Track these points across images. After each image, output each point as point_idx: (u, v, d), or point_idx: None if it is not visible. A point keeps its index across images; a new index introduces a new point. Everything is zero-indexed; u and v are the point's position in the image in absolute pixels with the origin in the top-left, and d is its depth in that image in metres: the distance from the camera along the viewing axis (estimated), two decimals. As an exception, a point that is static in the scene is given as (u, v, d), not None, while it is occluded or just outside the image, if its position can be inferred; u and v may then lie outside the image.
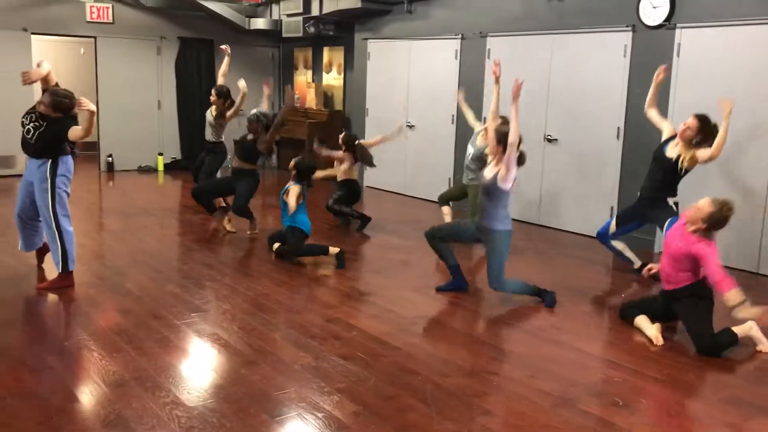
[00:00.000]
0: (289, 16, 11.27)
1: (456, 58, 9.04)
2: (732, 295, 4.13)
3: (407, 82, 9.87)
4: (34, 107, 5.15)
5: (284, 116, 7.12)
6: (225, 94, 7.73)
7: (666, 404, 3.76)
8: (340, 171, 7.65)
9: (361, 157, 7.63)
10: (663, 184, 5.64)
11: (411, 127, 9.84)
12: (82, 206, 8.53)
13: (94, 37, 11.15)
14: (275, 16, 11.69)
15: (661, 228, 5.57)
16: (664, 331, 4.58)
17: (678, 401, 3.81)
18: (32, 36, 10.65)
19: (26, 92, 9.62)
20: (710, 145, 5.33)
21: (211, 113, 7.85)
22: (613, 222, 6.07)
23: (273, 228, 7.17)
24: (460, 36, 8.96)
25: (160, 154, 11.93)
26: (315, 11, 10.66)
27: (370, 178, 10.39)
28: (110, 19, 11.18)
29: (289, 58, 12.83)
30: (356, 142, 7.67)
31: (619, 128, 7.29)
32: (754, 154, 6.22)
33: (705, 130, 5.42)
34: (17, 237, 5.59)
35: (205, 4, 11.19)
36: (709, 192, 6.20)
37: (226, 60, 8.01)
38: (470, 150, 7.04)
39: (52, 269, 5.43)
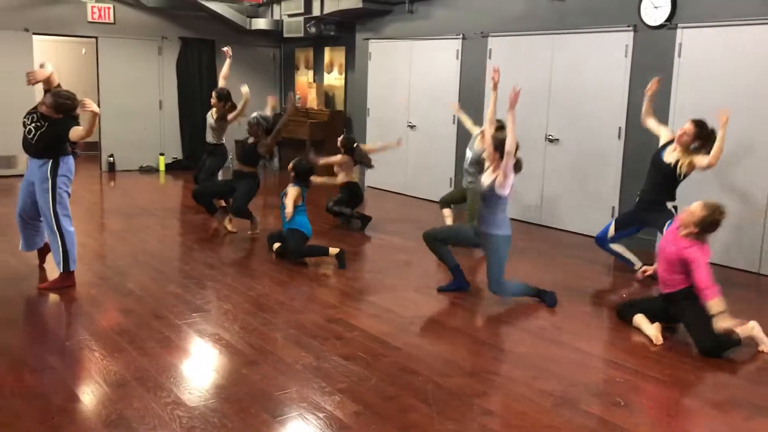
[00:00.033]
0: (290, 16, 11.27)
1: (457, 58, 9.05)
2: (714, 303, 4.19)
3: (408, 82, 9.87)
4: (35, 107, 5.15)
5: (285, 122, 7.15)
6: (225, 97, 7.73)
7: (667, 404, 3.76)
8: (338, 179, 7.65)
9: (360, 158, 7.67)
10: (661, 189, 5.66)
11: (412, 127, 9.85)
12: (83, 206, 8.54)
13: (96, 38, 11.15)
14: (276, 17, 11.70)
15: (661, 232, 5.58)
16: (664, 331, 4.58)
17: (679, 401, 3.81)
18: (34, 36, 10.66)
19: (27, 92, 9.62)
20: (708, 151, 5.35)
21: (211, 116, 7.85)
22: (612, 226, 6.08)
23: (273, 228, 7.17)
24: (461, 36, 8.96)
25: (162, 154, 11.93)
26: (316, 11, 10.67)
27: (372, 178, 10.39)
28: (111, 20, 11.19)
29: (291, 58, 12.83)
30: (354, 144, 7.70)
31: (620, 128, 7.28)
32: (755, 155, 6.21)
33: (702, 135, 5.45)
34: (18, 237, 5.60)
35: (207, 4, 11.19)
36: (711, 192, 6.23)
37: (227, 62, 8.02)
38: (468, 154, 7.09)
39: (53, 269, 5.43)
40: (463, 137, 8.68)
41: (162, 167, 11.92)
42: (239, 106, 7.68)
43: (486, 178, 5.12)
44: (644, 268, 5.12)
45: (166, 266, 6.09)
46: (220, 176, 8.29)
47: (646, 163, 5.96)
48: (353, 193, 7.73)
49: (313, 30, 10.89)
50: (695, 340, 4.38)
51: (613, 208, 7.40)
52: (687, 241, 4.41)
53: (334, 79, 11.83)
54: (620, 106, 7.24)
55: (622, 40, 7.16)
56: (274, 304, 5.11)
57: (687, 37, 6.63)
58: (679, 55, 6.70)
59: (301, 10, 10.89)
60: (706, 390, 3.92)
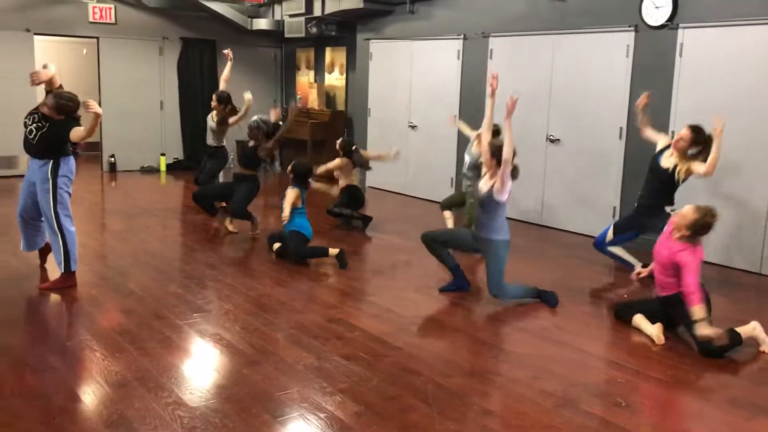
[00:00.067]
0: (291, 16, 11.27)
1: (458, 58, 9.04)
2: (697, 309, 4.24)
3: (409, 82, 9.87)
4: (37, 108, 5.15)
5: (286, 130, 7.20)
6: (225, 100, 7.75)
7: (668, 405, 3.76)
8: (334, 191, 7.66)
9: (358, 161, 7.70)
10: (659, 194, 5.67)
11: (413, 127, 9.85)
12: (84, 206, 8.54)
13: (97, 38, 11.16)
14: (277, 17, 11.70)
15: None
16: (664, 331, 4.57)
17: (680, 402, 3.81)
18: (35, 37, 10.66)
19: (29, 93, 9.64)
20: (705, 158, 5.37)
21: (212, 118, 7.87)
22: (610, 231, 6.09)
23: (274, 228, 7.17)
24: (462, 36, 8.96)
25: (163, 154, 11.93)
26: (317, 11, 10.66)
27: (372, 178, 10.39)
28: (113, 20, 11.19)
29: (292, 58, 12.83)
30: (353, 146, 7.72)
31: (621, 128, 7.28)
32: (757, 155, 6.21)
33: (699, 141, 5.48)
34: (19, 237, 5.60)
35: (208, 4, 11.20)
36: (713, 193, 6.24)
37: (228, 65, 8.05)
38: (467, 158, 7.15)
39: (54, 269, 5.44)
40: (464, 138, 8.66)
41: (163, 167, 11.93)
42: (242, 112, 7.71)
43: (483, 185, 5.14)
44: (638, 270, 5.17)
45: (167, 266, 6.09)
46: (221, 177, 8.30)
47: (647, 163, 5.96)
48: (354, 196, 7.74)
49: (314, 30, 10.89)
50: (695, 342, 4.37)
51: (614, 208, 7.40)
52: (680, 245, 4.45)
53: (335, 79, 11.83)
54: (621, 106, 7.24)
55: (624, 40, 7.16)
56: (275, 305, 5.11)
57: (688, 37, 6.63)
58: (681, 55, 6.69)
59: (302, 11, 10.88)
60: (707, 390, 3.91)
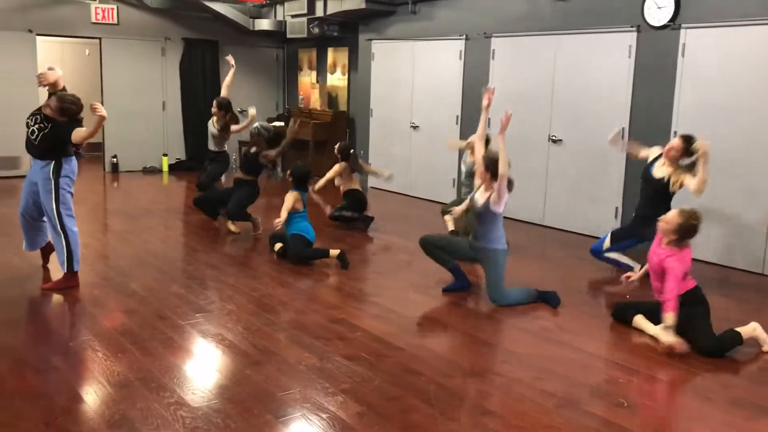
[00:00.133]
0: (293, 17, 11.28)
1: (460, 58, 9.04)
2: (669, 316, 4.31)
3: (411, 82, 9.87)
4: (39, 108, 5.16)
5: (289, 142, 7.26)
6: (226, 107, 7.78)
7: (670, 405, 3.76)
8: (330, 207, 7.68)
9: (353, 164, 7.78)
10: (654, 203, 5.68)
11: (415, 127, 9.85)
12: (86, 207, 8.56)
13: (99, 38, 11.18)
14: (279, 17, 11.71)
15: None
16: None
17: (682, 402, 3.81)
18: (37, 37, 10.68)
19: (31, 93, 9.69)
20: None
21: (213, 124, 7.90)
22: (608, 239, 6.11)
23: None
24: (464, 36, 8.96)
25: (165, 155, 11.95)
26: (319, 12, 10.67)
27: (374, 179, 10.38)
28: (115, 20, 11.21)
29: (294, 58, 12.84)
30: (351, 150, 7.77)
31: (623, 129, 7.27)
32: (759, 155, 6.20)
33: (690, 151, 5.50)
34: (22, 237, 5.61)
35: (210, 5, 11.21)
36: (714, 193, 6.22)
37: (231, 72, 8.09)
38: (463, 168, 7.26)
39: (57, 269, 5.45)
40: (466, 138, 8.67)
41: (165, 168, 11.94)
42: (244, 124, 7.85)
43: (479, 197, 5.20)
44: (628, 273, 5.23)
45: (169, 267, 6.10)
46: (223, 179, 8.33)
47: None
48: (356, 199, 7.75)
49: (316, 30, 10.90)
50: (695, 339, 4.38)
51: (617, 208, 7.40)
52: (667, 251, 4.52)
53: (337, 79, 11.83)
54: (623, 106, 7.23)
55: (626, 40, 7.15)
56: (277, 305, 5.11)
57: (690, 37, 6.62)
58: (683, 56, 6.69)
59: (305, 11, 10.89)
60: (708, 391, 3.91)
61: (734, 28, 6.31)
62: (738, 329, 4.38)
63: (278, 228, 6.29)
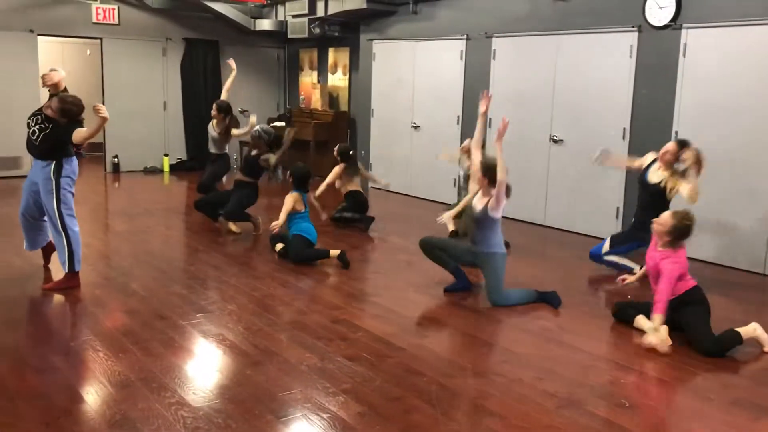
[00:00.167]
0: (294, 17, 11.28)
1: (461, 58, 9.04)
2: (656, 318, 4.36)
3: (413, 82, 9.87)
4: (40, 109, 5.16)
5: (287, 147, 7.33)
6: (226, 110, 7.79)
7: (671, 405, 3.76)
8: (326, 214, 7.69)
9: (351, 166, 7.80)
10: (651, 207, 5.67)
11: (416, 127, 9.85)
12: (88, 207, 8.56)
13: (100, 39, 11.19)
14: (280, 17, 11.71)
15: None
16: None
17: (683, 402, 3.81)
18: (38, 37, 10.69)
19: (32, 93, 9.71)
20: (696, 170, 5.42)
21: (213, 127, 7.90)
22: (607, 243, 6.11)
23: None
24: (465, 36, 8.96)
25: (166, 155, 11.95)
26: (320, 12, 10.67)
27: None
28: (116, 21, 11.21)
29: (295, 59, 12.84)
30: (350, 152, 7.79)
31: (624, 129, 7.27)
32: (760, 155, 6.19)
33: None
34: (22, 237, 5.61)
35: (211, 5, 11.21)
36: (715, 193, 6.22)
37: (232, 75, 8.11)
38: (460, 172, 7.32)
39: (58, 269, 5.45)
40: (467, 138, 8.67)
41: (166, 168, 11.94)
42: (244, 130, 7.89)
43: (477, 203, 5.20)
44: (623, 276, 5.24)
45: (170, 267, 6.10)
46: (223, 180, 8.34)
47: (651, 164, 5.96)
48: (357, 201, 7.76)
49: (317, 31, 10.90)
50: (695, 340, 4.38)
51: (617, 208, 7.39)
52: (662, 253, 4.56)
53: (338, 79, 11.83)
54: (624, 106, 7.23)
55: (627, 40, 7.15)
56: (278, 305, 5.11)
57: (692, 37, 6.62)
58: (684, 56, 6.68)
59: (306, 11, 10.90)
60: (710, 391, 3.90)
61: (735, 28, 6.30)
62: (738, 329, 4.38)
63: (276, 231, 6.29)
